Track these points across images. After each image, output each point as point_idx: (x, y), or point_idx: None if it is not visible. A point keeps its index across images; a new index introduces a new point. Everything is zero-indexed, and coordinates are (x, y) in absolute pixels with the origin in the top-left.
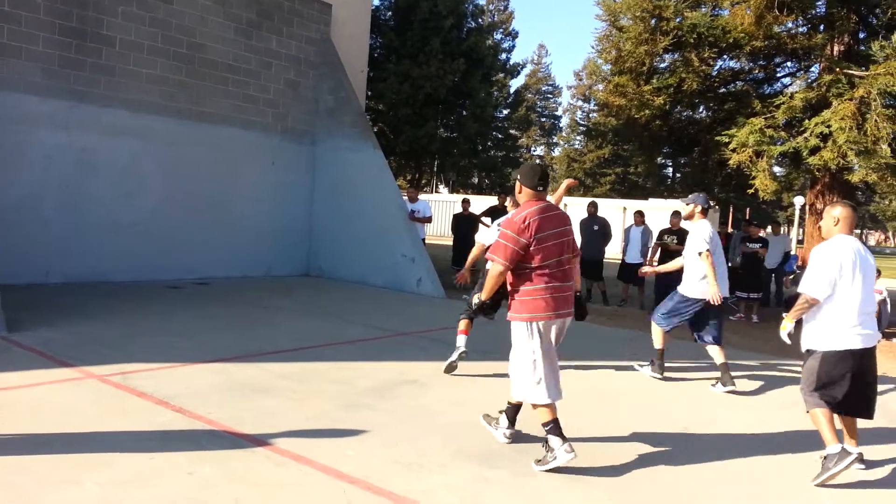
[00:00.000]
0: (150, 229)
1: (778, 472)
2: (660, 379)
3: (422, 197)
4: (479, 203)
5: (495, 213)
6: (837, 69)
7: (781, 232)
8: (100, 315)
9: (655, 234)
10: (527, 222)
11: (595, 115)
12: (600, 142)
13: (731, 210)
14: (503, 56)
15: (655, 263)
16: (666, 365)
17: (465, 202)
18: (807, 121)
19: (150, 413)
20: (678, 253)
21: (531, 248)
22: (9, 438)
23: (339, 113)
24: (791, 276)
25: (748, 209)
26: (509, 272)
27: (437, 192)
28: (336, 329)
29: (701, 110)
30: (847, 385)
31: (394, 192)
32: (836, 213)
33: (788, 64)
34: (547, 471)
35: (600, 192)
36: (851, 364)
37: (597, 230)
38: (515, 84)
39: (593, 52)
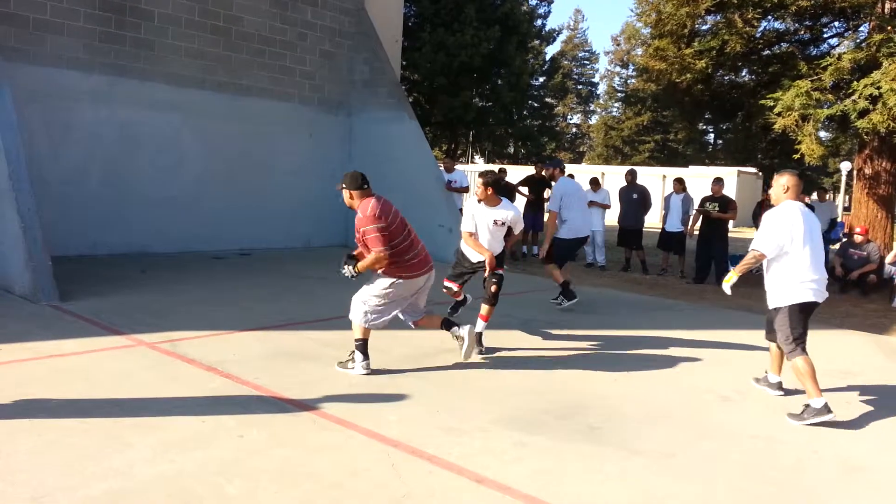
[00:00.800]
0: (191, 202)
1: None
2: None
3: (458, 167)
4: (516, 173)
5: (533, 182)
6: (888, 28)
7: (827, 198)
8: (146, 285)
9: (696, 202)
10: (376, 212)
11: (633, 80)
12: (639, 108)
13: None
14: (539, 22)
15: (696, 231)
16: (700, 337)
17: (502, 172)
18: (855, 83)
19: (199, 379)
20: (721, 221)
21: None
22: (66, 402)
23: (374, 83)
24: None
25: None
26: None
27: (472, 162)
28: None
29: (744, 73)
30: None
31: (430, 163)
32: (783, 181)
33: (836, 24)
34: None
35: (639, 160)
36: (806, 314)
37: (636, 198)
38: (551, 51)
39: (632, 16)
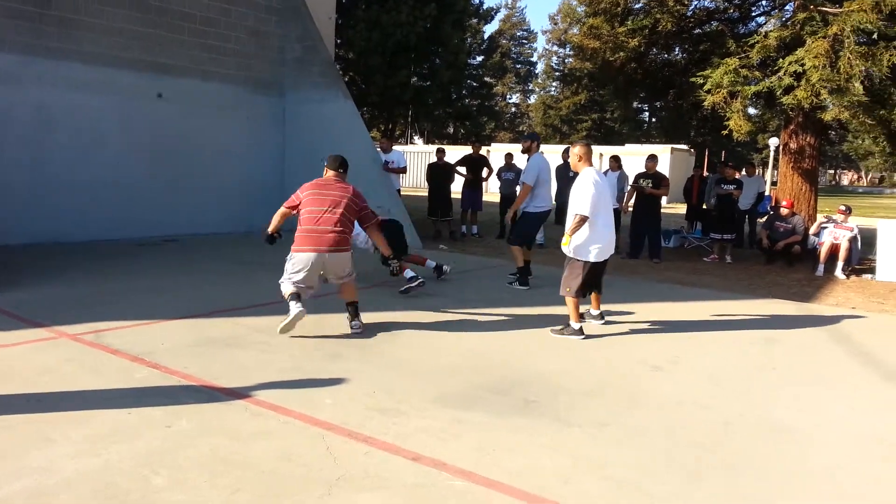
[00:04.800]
0: (113, 186)
1: (745, 405)
2: (527, 289)
3: (396, 148)
4: (455, 153)
5: (471, 162)
6: (811, 6)
7: (756, 173)
8: (68, 274)
9: (631, 179)
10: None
11: (571, 60)
12: (576, 87)
13: (707, 153)
14: (476, 0)
15: (630, 208)
16: (633, 310)
17: (441, 152)
18: (781, 60)
19: (125, 370)
20: (654, 197)
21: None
22: None
23: (306, 62)
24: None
25: (724, 152)
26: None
27: (411, 142)
28: None
29: (676, 52)
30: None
31: (367, 144)
32: (577, 151)
33: (763, 2)
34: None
35: (577, 139)
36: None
37: (572, 176)
38: (489, 30)
39: None
